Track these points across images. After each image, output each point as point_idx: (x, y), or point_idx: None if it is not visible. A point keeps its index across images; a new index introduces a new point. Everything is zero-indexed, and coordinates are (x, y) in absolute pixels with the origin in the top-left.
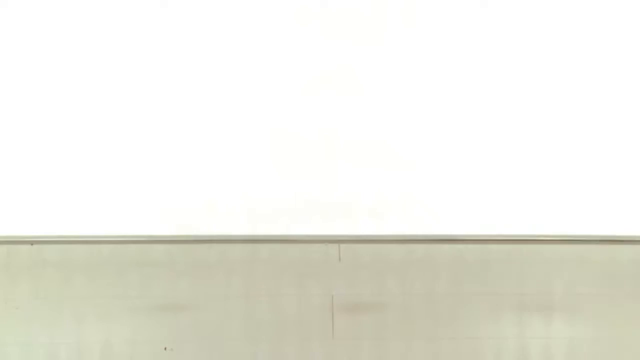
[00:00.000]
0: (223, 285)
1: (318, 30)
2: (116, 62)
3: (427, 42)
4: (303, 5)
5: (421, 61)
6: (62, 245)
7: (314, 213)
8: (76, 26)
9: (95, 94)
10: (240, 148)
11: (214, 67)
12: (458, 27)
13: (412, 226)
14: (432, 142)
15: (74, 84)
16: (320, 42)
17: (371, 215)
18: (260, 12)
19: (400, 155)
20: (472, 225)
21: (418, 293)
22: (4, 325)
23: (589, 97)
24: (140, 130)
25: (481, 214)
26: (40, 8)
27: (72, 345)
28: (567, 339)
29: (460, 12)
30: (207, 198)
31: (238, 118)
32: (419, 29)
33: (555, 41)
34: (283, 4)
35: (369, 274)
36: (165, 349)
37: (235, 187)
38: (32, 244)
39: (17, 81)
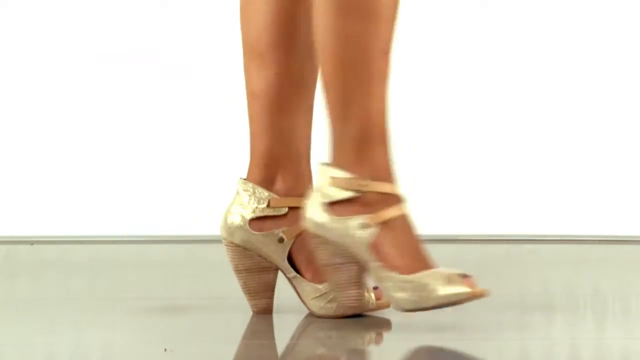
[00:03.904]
0: (223, 286)
1: None
2: (115, 62)
3: (428, 42)
4: None
5: (421, 61)
6: (62, 245)
7: None
8: (76, 27)
9: (95, 94)
10: (240, 148)
11: (212, 66)
12: (459, 27)
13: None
14: (431, 141)
15: (73, 84)
16: None
17: None
18: None
19: (401, 155)
20: (472, 225)
21: None
22: (3, 325)
23: (590, 97)
24: (140, 131)
25: (481, 214)
26: (38, 7)
27: (72, 346)
28: (569, 340)
29: (461, 12)
30: (207, 198)
31: (238, 118)
32: (420, 29)
33: (555, 41)
34: None
35: None
36: (165, 350)
37: (235, 187)
38: (32, 244)
39: (16, 81)
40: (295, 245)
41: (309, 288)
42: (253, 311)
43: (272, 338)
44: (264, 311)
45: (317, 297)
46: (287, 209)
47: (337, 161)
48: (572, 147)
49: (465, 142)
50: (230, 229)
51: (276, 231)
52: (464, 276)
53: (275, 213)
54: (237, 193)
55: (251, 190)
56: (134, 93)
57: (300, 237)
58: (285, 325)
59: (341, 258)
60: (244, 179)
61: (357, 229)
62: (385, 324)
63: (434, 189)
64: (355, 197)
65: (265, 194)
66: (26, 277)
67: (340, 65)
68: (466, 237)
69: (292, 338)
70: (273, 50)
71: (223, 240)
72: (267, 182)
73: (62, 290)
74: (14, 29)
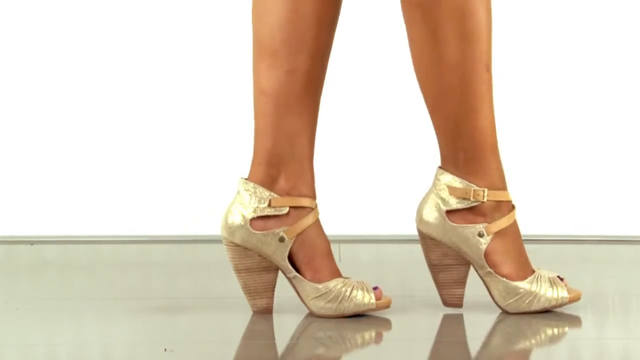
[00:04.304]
0: (223, 286)
1: None
2: (115, 62)
3: None
4: None
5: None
6: (62, 245)
7: None
8: (76, 27)
9: (95, 94)
10: (239, 148)
11: (214, 66)
12: None
13: (413, 226)
14: (431, 140)
15: (74, 84)
16: None
17: (372, 215)
18: None
19: (401, 155)
20: None
21: (419, 293)
22: (3, 325)
23: (589, 97)
24: (140, 131)
25: None
26: (38, 7)
27: (72, 346)
28: (569, 340)
29: None
30: (207, 198)
31: (239, 118)
32: None
33: (554, 42)
34: None
35: (369, 274)
36: (165, 350)
37: (235, 187)
38: (32, 244)
39: (16, 81)
40: (295, 245)
41: (309, 288)
42: (253, 311)
43: (272, 338)
44: (264, 311)
45: (316, 297)
46: (288, 209)
47: (453, 171)
48: (572, 147)
49: None
50: (230, 229)
51: (277, 230)
52: (560, 278)
53: (277, 213)
54: (238, 193)
55: (252, 189)
56: (134, 93)
57: (301, 236)
58: (285, 325)
59: (452, 259)
60: (245, 179)
61: (474, 237)
62: (385, 324)
63: None
64: (472, 206)
65: (266, 193)
66: (26, 277)
67: (445, 90)
68: None
69: (292, 338)
70: (285, 49)
71: (223, 240)
72: (269, 181)
73: (62, 290)
74: (14, 29)
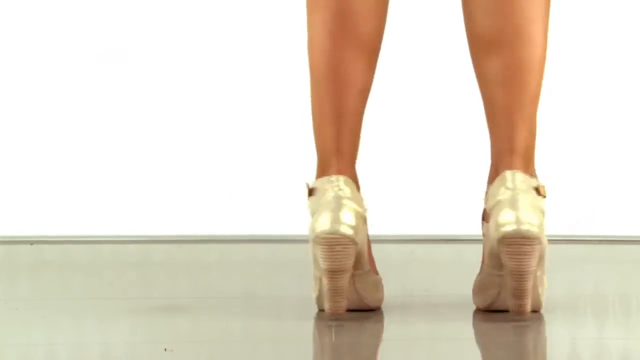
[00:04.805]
0: (223, 286)
1: None
2: (115, 62)
3: (430, 41)
4: None
5: (422, 61)
6: (62, 245)
7: None
8: (76, 27)
9: (95, 94)
10: (240, 148)
11: (213, 64)
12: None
13: (412, 226)
14: (431, 140)
15: (74, 84)
16: None
17: (373, 215)
18: None
19: (401, 155)
20: (472, 225)
21: (419, 293)
22: (3, 325)
23: (589, 96)
24: (140, 130)
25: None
26: (38, 7)
27: (72, 346)
28: (569, 340)
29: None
30: (208, 198)
31: (240, 117)
32: (426, 29)
33: (556, 41)
34: None
35: None
36: (165, 350)
37: (236, 186)
38: (32, 244)
39: (16, 81)
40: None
41: (373, 281)
42: (330, 312)
43: (273, 338)
44: (342, 310)
45: (378, 289)
46: None
47: (523, 168)
48: (572, 147)
49: (465, 142)
50: (351, 227)
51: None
52: None
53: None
54: (340, 189)
55: (355, 186)
56: (134, 93)
57: None
58: (286, 325)
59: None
60: (337, 175)
61: None
62: (385, 324)
63: (434, 189)
64: None
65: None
66: (26, 277)
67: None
68: (466, 237)
69: (294, 339)
70: (380, 50)
71: (331, 240)
72: (353, 176)
73: (62, 290)
74: (14, 29)
